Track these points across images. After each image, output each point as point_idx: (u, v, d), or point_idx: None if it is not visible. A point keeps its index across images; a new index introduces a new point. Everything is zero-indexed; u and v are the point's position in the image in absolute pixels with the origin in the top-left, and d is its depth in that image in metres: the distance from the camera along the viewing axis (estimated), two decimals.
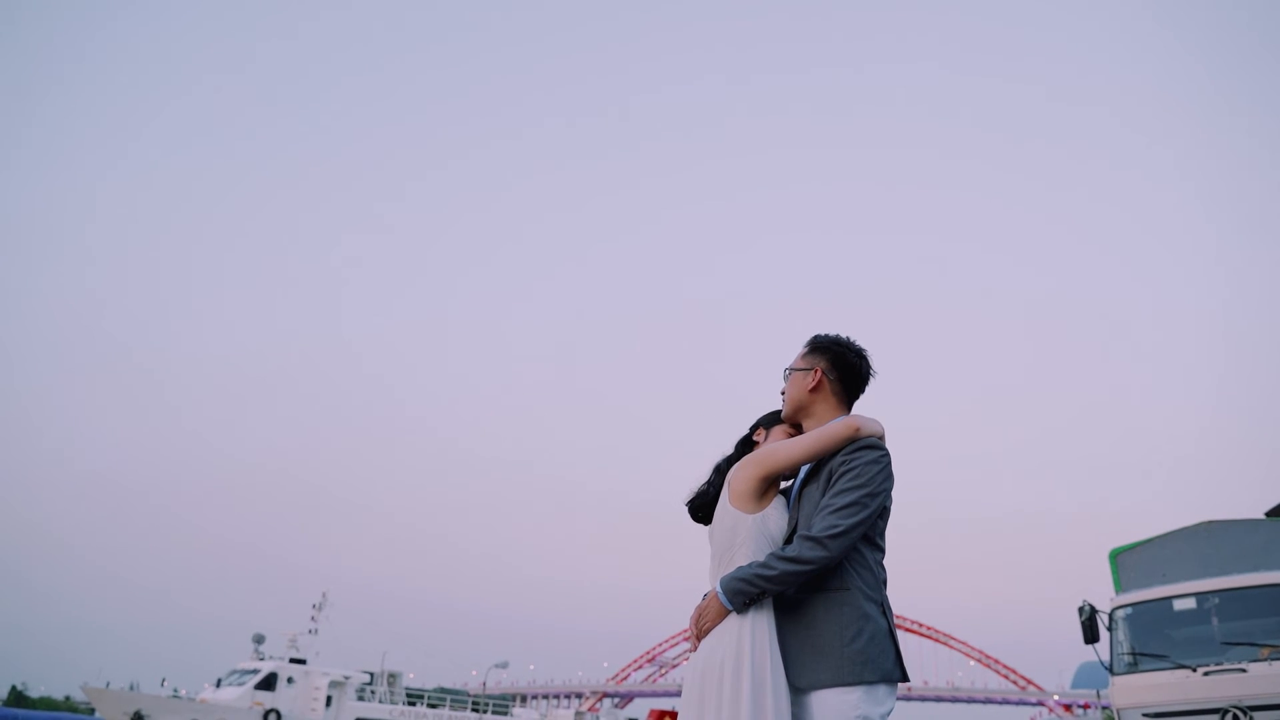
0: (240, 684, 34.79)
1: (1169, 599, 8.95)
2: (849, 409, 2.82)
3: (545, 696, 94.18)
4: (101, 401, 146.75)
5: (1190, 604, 8.84)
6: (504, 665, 49.78)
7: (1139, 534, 10.20)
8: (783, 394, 2.90)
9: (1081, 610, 9.23)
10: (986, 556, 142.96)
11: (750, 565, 2.52)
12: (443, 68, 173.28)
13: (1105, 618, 9.28)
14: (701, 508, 2.85)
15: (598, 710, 60.64)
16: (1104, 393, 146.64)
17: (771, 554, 2.53)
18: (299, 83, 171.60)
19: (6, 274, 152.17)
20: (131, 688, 35.44)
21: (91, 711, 38.49)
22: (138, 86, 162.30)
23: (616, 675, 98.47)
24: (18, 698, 76.82)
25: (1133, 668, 8.91)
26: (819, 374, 2.80)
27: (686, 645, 3.59)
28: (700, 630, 2.55)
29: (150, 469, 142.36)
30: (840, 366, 2.82)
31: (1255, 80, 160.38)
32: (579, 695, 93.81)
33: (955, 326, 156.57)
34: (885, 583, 2.64)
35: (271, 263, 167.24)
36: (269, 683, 34.70)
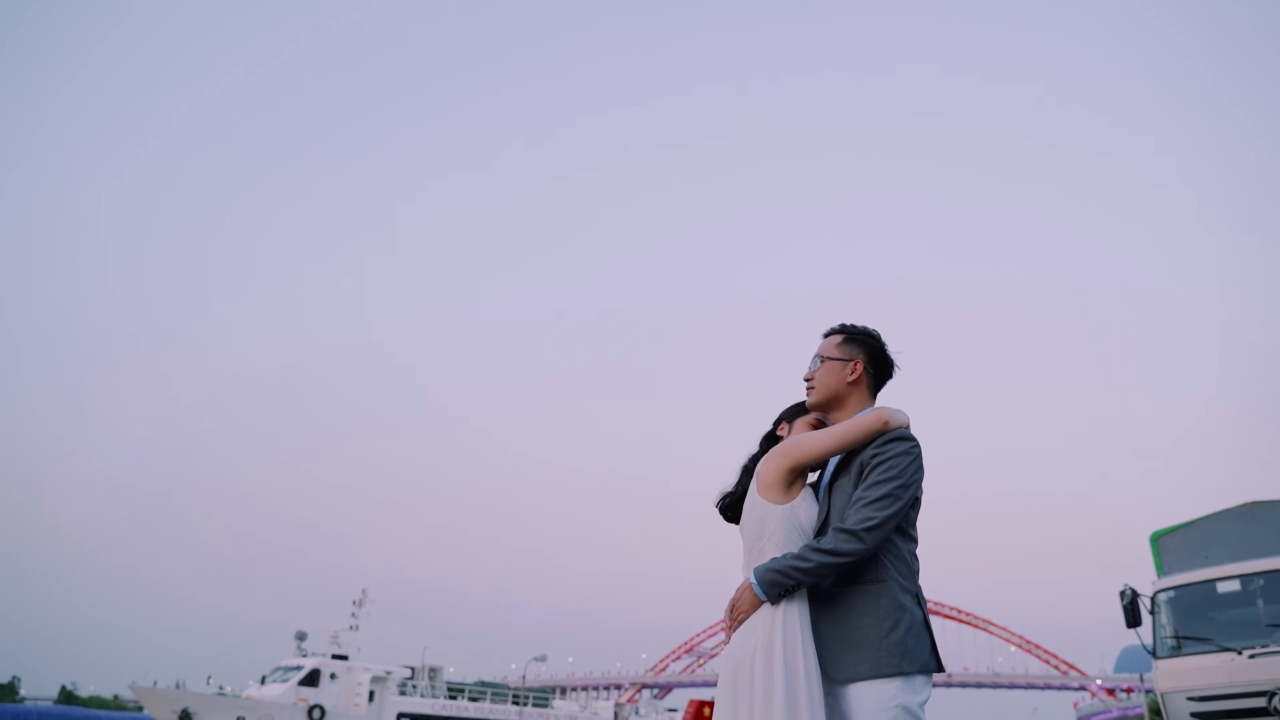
0: (285, 680, 35.28)
1: (1212, 581, 8.84)
2: (874, 402, 2.82)
3: (584, 689, 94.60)
4: (122, 403, 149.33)
5: (1234, 586, 8.72)
6: (542, 659, 49.91)
7: (1178, 517, 10.08)
8: (807, 380, 2.84)
9: (1123, 594, 9.13)
10: (1024, 540, 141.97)
11: (785, 557, 2.52)
12: (478, 65, 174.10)
13: (1147, 601, 9.18)
14: (731, 507, 2.85)
15: (637, 702, 60.92)
16: (1137, 377, 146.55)
17: (807, 546, 2.52)
18: (325, 80, 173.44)
19: (22, 272, 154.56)
20: (178, 686, 35.96)
21: (140, 710, 39.18)
22: (156, 84, 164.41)
23: (655, 666, 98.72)
24: (68, 697, 78.47)
25: (1176, 651, 8.81)
26: (859, 366, 2.79)
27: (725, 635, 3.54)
28: (735, 621, 2.56)
29: (176, 471, 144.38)
30: (877, 360, 2.82)
31: (1245, 69, 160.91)
32: (618, 687, 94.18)
33: (983, 319, 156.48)
34: (918, 573, 2.64)
35: (296, 260, 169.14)
36: (313, 679, 35.16)
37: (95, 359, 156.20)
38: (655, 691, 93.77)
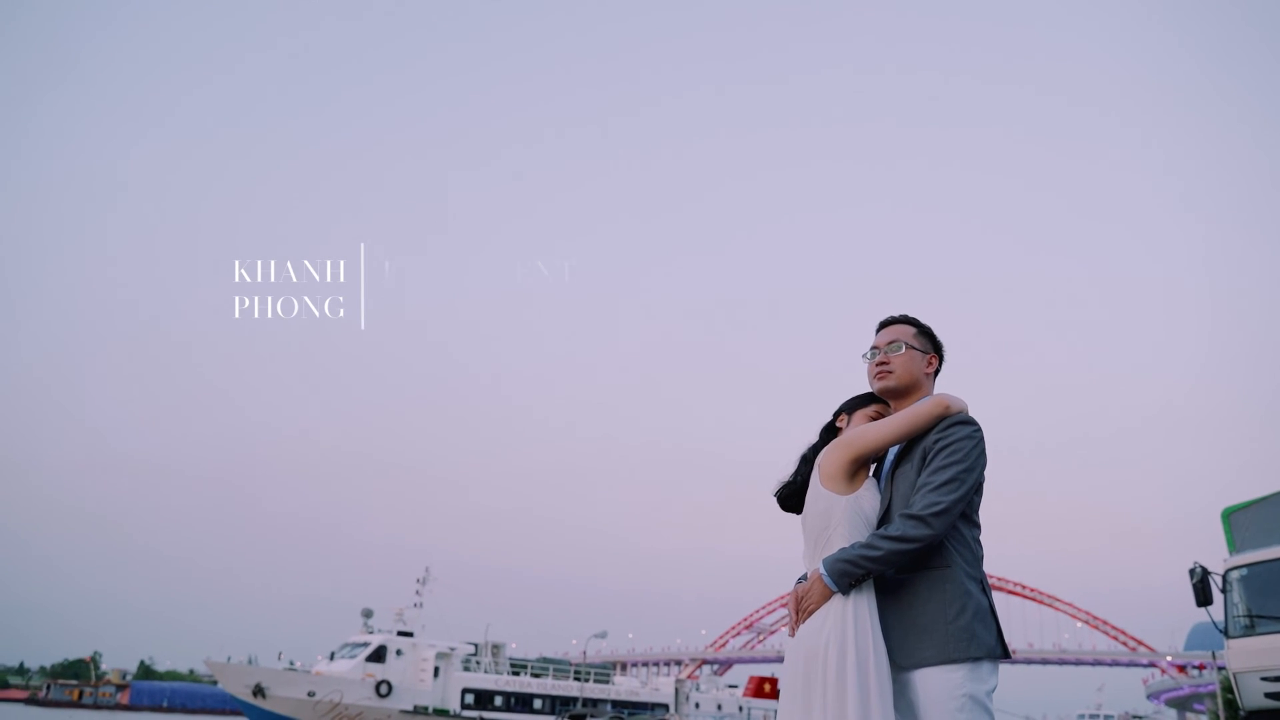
0: (352, 657, 36.11)
1: None
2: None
3: (645, 665, 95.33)
4: (156, 394, 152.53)
5: None
6: (603, 635, 50.35)
7: (1250, 493, 9.82)
8: (884, 364, 2.77)
9: (1193, 572, 8.94)
10: (1088, 514, 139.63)
11: (853, 546, 2.51)
12: (556, 36, 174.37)
13: (1219, 579, 8.98)
14: (790, 497, 2.84)
15: (697, 678, 61.09)
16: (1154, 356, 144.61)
17: (874, 534, 2.52)
18: (369, 55, 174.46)
19: (31, 257, 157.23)
20: (250, 662, 37.07)
21: (214, 684, 40.42)
22: (177, 57, 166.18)
23: (715, 642, 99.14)
24: (146, 671, 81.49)
25: (1249, 630, 8.62)
26: (935, 361, 2.84)
27: (784, 611, 3.60)
28: (804, 613, 2.55)
29: (232, 459, 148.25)
30: (942, 355, 2.88)
31: (1223, 48, 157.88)
32: (678, 663, 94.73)
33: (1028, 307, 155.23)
34: (982, 559, 2.63)
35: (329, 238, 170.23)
36: (379, 655, 35.95)
37: (119, 348, 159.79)
38: (715, 667, 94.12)
